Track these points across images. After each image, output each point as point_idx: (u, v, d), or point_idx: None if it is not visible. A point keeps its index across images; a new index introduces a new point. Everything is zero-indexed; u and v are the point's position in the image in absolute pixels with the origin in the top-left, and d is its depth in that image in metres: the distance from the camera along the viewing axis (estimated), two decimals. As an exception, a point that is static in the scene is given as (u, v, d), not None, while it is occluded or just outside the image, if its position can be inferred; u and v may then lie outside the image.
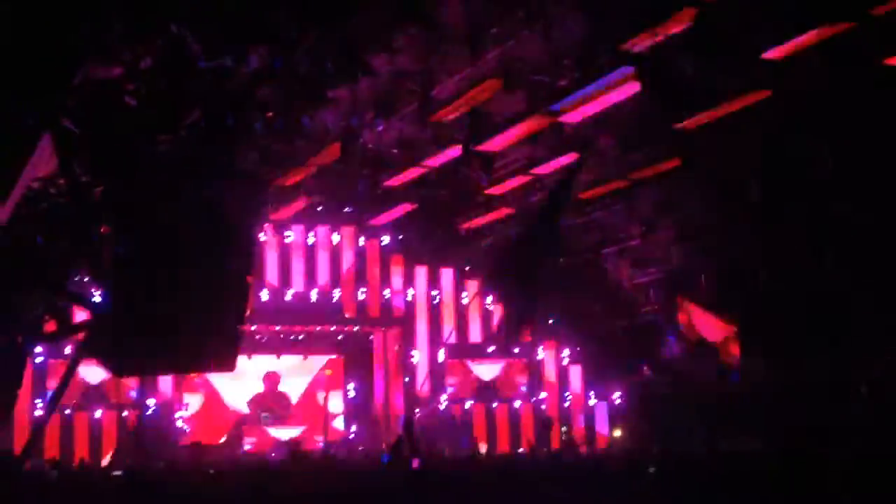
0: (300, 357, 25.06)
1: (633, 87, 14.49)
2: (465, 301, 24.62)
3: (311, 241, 23.72)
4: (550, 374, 25.04)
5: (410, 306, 24.54)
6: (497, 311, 24.07)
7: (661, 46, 13.31)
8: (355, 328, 24.90)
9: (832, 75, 13.46)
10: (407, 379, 24.28)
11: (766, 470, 10.36)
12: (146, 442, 21.53)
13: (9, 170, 8.36)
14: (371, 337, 25.28)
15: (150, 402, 22.00)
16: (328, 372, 24.04)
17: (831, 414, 15.37)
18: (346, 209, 22.93)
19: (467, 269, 24.17)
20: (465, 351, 24.81)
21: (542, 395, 24.84)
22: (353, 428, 24.69)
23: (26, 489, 11.58)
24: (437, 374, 24.40)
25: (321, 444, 22.82)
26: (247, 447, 23.29)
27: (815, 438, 13.90)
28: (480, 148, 17.59)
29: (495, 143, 17.39)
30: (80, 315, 13.61)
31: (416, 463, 15.26)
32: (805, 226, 16.29)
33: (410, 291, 24.50)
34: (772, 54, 13.02)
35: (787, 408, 16.41)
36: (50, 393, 19.53)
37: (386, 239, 24.04)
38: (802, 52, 12.83)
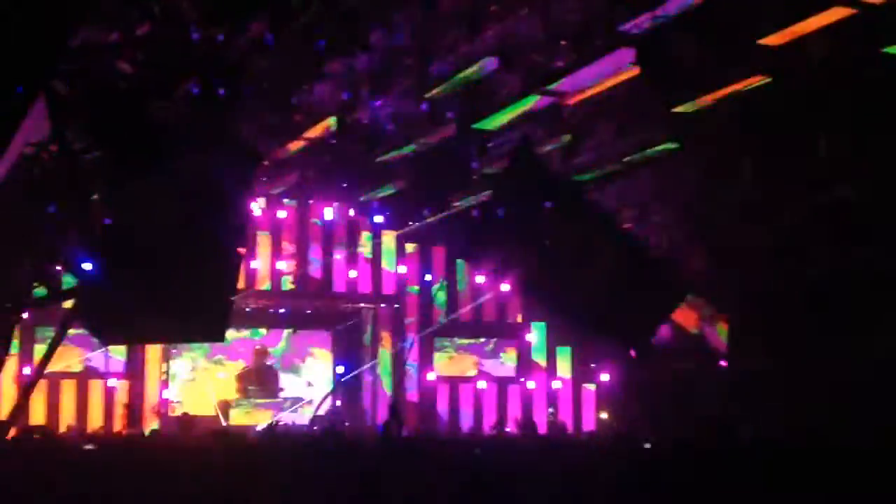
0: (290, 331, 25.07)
1: (631, 70, 14.43)
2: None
3: (302, 215, 23.62)
4: (539, 355, 25.04)
5: (402, 284, 24.48)
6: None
7: (659, 29, 13.24)
8: (346, 304, 24.84)
9: (830, 62, 13.43)
10: (396, 357, 24.26)
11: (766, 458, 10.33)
12: (135, 412, 21.57)
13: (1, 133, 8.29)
14: (361, 314, 25.20)
15: (139, 371, 22.01)
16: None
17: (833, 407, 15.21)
18: (340, 184, 22.81)
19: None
20: (456, 330, 24.76)
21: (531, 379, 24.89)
22: (339, 403, 24.61)
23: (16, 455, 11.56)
24: (426, 353, 24.38)
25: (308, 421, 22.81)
26: (234, 421, 23.22)
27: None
28: (476, 126, 17.52)
29: (491, 123, 17.31)
30: (70, 281, 13.56)
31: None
32: (801, 211, 16.24)
33: (402, 269, 24.42)
34: (770, 40, 12.98)
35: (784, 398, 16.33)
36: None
37: (379, 219, 23.93)
38: (801, 39, 12.80)
